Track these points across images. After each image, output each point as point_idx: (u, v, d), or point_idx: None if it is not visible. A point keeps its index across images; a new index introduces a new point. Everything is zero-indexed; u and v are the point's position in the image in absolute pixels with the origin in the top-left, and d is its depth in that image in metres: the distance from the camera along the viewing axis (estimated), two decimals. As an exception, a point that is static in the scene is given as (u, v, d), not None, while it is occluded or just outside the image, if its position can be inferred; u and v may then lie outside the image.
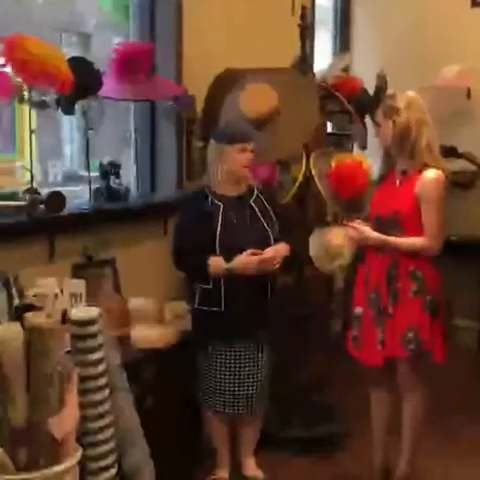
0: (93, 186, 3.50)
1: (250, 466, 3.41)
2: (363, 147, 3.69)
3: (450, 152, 5.06)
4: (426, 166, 3.07)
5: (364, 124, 3.65)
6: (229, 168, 3.17)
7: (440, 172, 3.07)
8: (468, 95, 5.51)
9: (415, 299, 3.09)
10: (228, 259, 3.11)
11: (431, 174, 3.06)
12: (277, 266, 3.17)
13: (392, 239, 3.10)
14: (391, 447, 3.36)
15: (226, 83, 3.98)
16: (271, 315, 3.26)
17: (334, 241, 3.41)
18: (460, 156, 5.34)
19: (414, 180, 3.08)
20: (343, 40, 5.95)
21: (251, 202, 3.23)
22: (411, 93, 3.14)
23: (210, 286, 3.15)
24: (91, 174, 3.47)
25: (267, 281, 3.21)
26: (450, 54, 5.46)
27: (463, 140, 5.38)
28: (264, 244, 3.16)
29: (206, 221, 3.13)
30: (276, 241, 3.21)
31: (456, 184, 4.98)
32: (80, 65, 3.08)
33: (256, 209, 3.22)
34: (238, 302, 3.14)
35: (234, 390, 3.23)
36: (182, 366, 3.24)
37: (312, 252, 3.47)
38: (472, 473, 3.60)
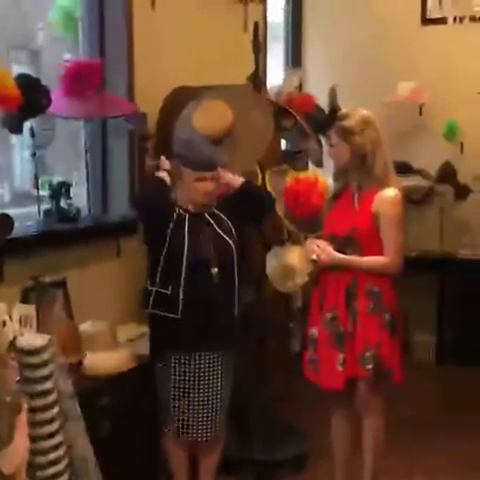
0: (43, 207, 3.40)
1: None
2: (318, 164, 3.65)
3: (404, 168, 5.06)
4: (382, 184, 3.05)
5: (319, 141, 3.62)
6: (188, 193, 3.13)
7: (397, 190, 3.06)
8: (420, 111, 5.54)
9: (373, 317, 3.06)
10: (195, 272, 3.04)
11: (389, 193, 3.05)
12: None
13: (354, 259, 3.06)
14: (353, 468, 3.30)
15: (179, 100, 3.90)
16: (236, 326, 3.17)
17: (291, 260, 3.36)
18: (414, 172, 5.36)
19: (371, 198, 3.06)
20: (295, 56, 5.92)
21: (208, 217, 3.17)
22: (364, 112, 3.12)
23: (168, 291, 3.05)
24: (41, 194, 3.36)
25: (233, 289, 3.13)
26: (402, 71, 5.47)
27: (416, 156, 5.41)
28: (228, 256, 3.11)
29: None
30: (238, 253, 3.14)
31: (410, 200, 4.99)
32: (27, 82, 2.99)
33: (214, 224, 3.15)
34: (197, 309, 3.04)
35: (194, 410, 3.10)
36: (138, 391, 3.14)
37: (269, 271, 3.41)
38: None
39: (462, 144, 5.42)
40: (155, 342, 3.18)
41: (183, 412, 3.10)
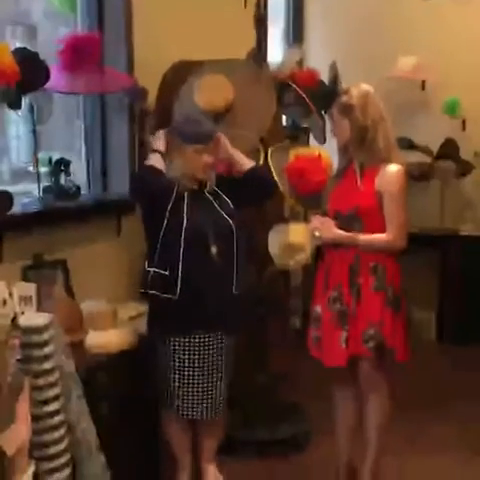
0: (42, 184, 3.35)
1: (211, 472, 3.29)
2: (321, 141, 3.60)
3: (405, 144, 5.02)
4: (385, 161, 3.01)
5: (322, 117, 3.56)
6: (186, 167, 3.04)
7: (400, 166, 3.02)
8: (422, 87, 5.48)
9: (376, 294, 3.02)
10: (193, 251, 2.97)
11: (392, 169, 3.01)
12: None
13: (357, 236, 3.02)
14: (356, 447, 3.29)
15: (179, 75, 3.84)
16: (236, 306, 3.11)
17: (294, 237, 3.31)
18: (415, 148, 5.32)
19: (374, 175, 3.02)
20: (296, 32, 5.85)
21: (208, 195, 3.10)
22: (365, 87, 3.08)
23: (166, 271, 2.98)
24: (40, 171, 3.31)
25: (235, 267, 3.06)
26: (404, 46, 5.43)
27: (418, 132, 5.36)
28: (228, 235, 3.04)
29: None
30: (238, 232, 3.08)
31: (411, 176, 4.94)
32: (25, 57, 2.92)
33: (214, 203, 3.09)
34: (196, 289, 2.98)
35: (194, 389, 3.05)
36: (138, 370, 3.11)
37: (271, 248, 3.36)
38: (439, 471, 3.56)
39: (464, 121, 5.37)
40: (153, 323, 3.12)
41: (183, 392, 3.05)
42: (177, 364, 3.04)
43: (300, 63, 4.44)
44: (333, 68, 3.16)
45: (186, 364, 3.03)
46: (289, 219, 3.51)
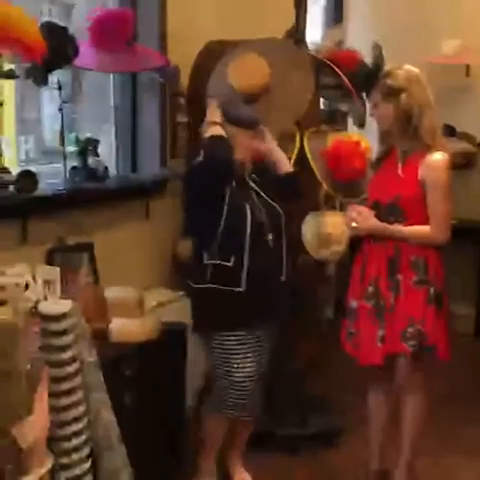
0: (69, 164, 3.23)
1: (240, 469, 3.18)
2: (361, 125, 3.43)
3: (447, 131, 4.82)
4: (430, 148, 2.84)
5: (363, 101, 3.39)
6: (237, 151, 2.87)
7: (445, 155, 2.84)
8: (467, 72, 5.27)
9: (417, 290, 2.86)
10: (255, 240, 2.83)
11: (437, 157, 2.83)
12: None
13: (398, 228, 2.86)
14: (388, 448, 3.15)
15: (214, 55, 3.70)
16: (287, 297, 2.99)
17: (328, 227, 3.17)
18: (458, 136, 5.12)
19: (417, 163, 2.85)
20: (337, 12, 5.67)
21: (252, 183, 2.97)
22: (412, 69, 2.90)
23: (230, 263, 2.81)
24: (68, 150, 3.20)
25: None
26: (448, 29, 5.22)
27: (461, 119, 5.15)
28: (278, 222, 2.92)
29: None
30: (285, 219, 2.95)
31: (453, 165, 4.75)
32: (53, 31, 2.81)
33: (256, 187, 2.96)
34: (259, 280, 2.84)
35: (250, 387, 2.91)
36: (165, 361, 2.99)
37: (305, 237, 3.22)
38: (475, 474, 3.40)
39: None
40: (210, 319, 2.92)
41: (231, 389, 2.90)
42: (228, 359, 2.89)
43: (340, 44, 4.28)
44: (377, 48, 2.97)
45: (237, 359, 2.89)
46: (324, 207, 3.36)
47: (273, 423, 3.57)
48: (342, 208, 3.28)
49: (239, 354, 2.88)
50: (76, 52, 2.90)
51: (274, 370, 3.32)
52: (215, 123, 2.88)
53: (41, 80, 2.82)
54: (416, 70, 2.91)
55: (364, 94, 3.52)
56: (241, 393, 2.90)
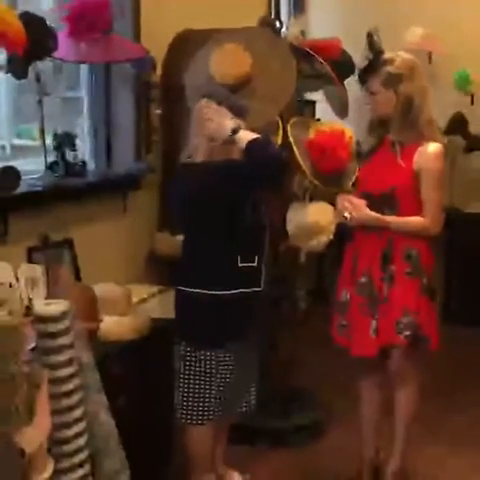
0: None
1: (227, 470, 3.13)
2: (343, 115, 3.41)
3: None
4: (426, 138, 2.83)
5: (345, 90, 3.37)
6: None
7: (441, 145, 2.84)
8: (429, 60, 5.31)
9: (411, 281, 2.86)
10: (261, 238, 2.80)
11: (432, 147, 2.83)
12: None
13: (392, 218, 2.84)
14: (380, 436, 3.15)
15: (186, 44, 3.65)
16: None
17: (315, 217, 3.14)
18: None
19: (411, 153, 2.84)
20: (298, 2, 5.63)
21: None
22: (410, 57, 2.89)
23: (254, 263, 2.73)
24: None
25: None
26: (411, 18, 5.24)
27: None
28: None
29: None
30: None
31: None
32: (33, 22, 2.70)
33: None
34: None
35: (233, 396, 2.88)
36: (154, 358, 2.93)
37: (290, 229, 3.19)
38: (464, 461, 3.43)
39: (473, 95, 5.22)
40: (220, 328, 2.76)
41: (220, 402, 2.83)
42: (223, 371, 2.83)
43: (303, 34, 4.25)
44: (373, 35, 2.95)
45: (233, 369, 2.85)
46: (306, 197, 3.33)
47: (254, 417, 3.54)
48: (324, 199, 3.25)
49: (235, 362, 2.83)
50: (56, 43, 2.81)
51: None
52: (238, 129, 2.68)
53: (21, 72, 2.73)
54: (413, 57, 2.90)
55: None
56: (219, 405, 2.83)
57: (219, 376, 2.81)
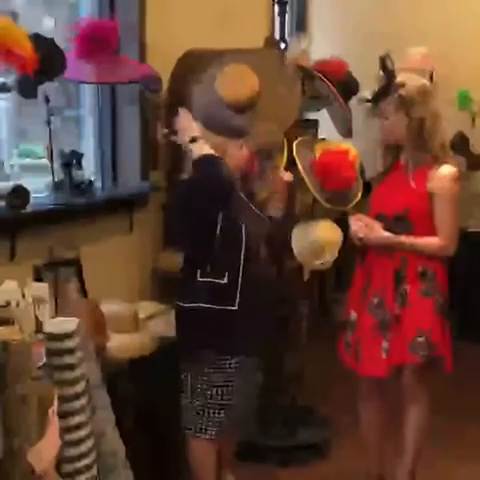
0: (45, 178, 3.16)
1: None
2: (347, 135, 3.44)
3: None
4: (439, 160, 2.87)
5: (349, 110, 3.40)
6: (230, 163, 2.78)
7: (455, 168, 2.88)
8: (431, 79, 5.35)
9: (425, 300, 2.87)
10: (249, 256, 2.76)
11: (446, 170, 2.87)
12: None
13: (407, 239, 2.86)
14: (387, 454, 3.16)
15: (192, 65, 3.68)
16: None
17: (320, 236, 3.16)
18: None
19: (425, 176, 2.86)
20: (300, 21, 5.69)
21: (240, 193, 2.89)
22: (422, 80, 2.93)
23: (224, 280, 2.71)
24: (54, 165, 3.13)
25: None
26: (411, 38, 5.29)
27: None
28: (264, 236, 2.89)
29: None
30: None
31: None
32: (43, 43, 2.74)
33: (246, 199, 2.89)
34: (255, 299, 2.76)
35: (233, 411, 2.82)
36: (160, 375, 2.94)
37: (296, 248, 3.21)
38: (474, 473, 3.43)
39: (475, 114, 5.26)
40: (200, 341, 2.77)
41: (222, 415, 2.80)
42: (220, 384, 2.79)
43: (305, 53, 4.29)
44: (386, 58, 2.98)
45: (230, 383, 2.79)
46: (311, 216, 3.36)
47: (261, 435, 3.55)
48: (328, 217, 3.28)
49: (230, 379, 2.78)
50: (65, 64, 2.84)
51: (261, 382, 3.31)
52: (197, 138, 2.74)
53: (31, 93, 2.75)
54: (425, 81, 2.94)
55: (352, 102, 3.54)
56: (220, 418, 2.80)
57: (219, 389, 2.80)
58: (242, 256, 2.73)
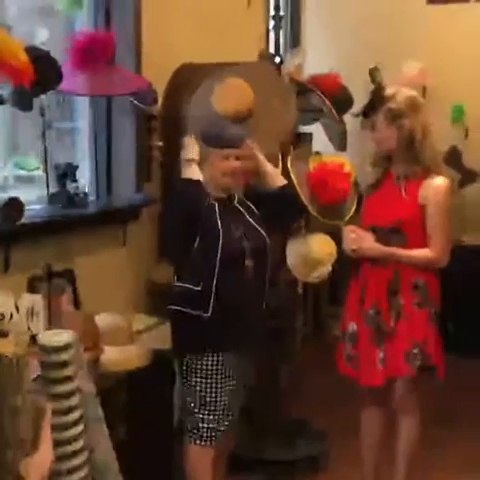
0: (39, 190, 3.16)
1: None
2: (341, 148, 3.45)
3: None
4: (430, 172, 2.88)
5: (344, 124, 3.42)
6: (214, 175, 2.85)
7: (446, 179, 2.89)
8: (423, 93, 5.38)
9: (419, 312, 2.90)
10: (229, 266, 2.77)
11: (438, 181, 2.89)
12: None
13: (399, 251, 2.88)
14: (381, 466, 3.16)
15: (187, 78, 3.69)
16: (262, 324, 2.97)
17: (314, 249, 3.17)
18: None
19: (417, 187, 2.89)
20: (294, 36, 5.72)
21: (238, 205, 2.92)
22: (412, 92, 2.96)
23: (199, 287, 2.78)
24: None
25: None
26: (406, 52, 5.32)
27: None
28: (262, 248, 2.88)
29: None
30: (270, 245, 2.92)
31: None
32: (38, 56, 2.73)
33: (245, 213, 2.92)
34: (229, 306, 2.79)
35: (221, 413, 2.85)
36: (154, 389, 2.93)
37: (291, 261, 3.21)
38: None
39: (467, 129, 5.29)
40: (179, 342, 2.90)
41: (210, 416, 2.84)
42: (203, 385, 2.83)
43: (299, 67, 4.31)
44: (375, 72, 3.01)
45: (211, 385, 2.83)
46: (304, 229, 3.36)
47: (258, 448, 3.54)
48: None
49: (205, 380, 2.82)
50: (61, 76, 2.84)
51: (253, 395, 3.30)
52: (191, 160, 2.85)
53: (26, 105, 2.76)
54: (415, 93, 2.96)
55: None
56: (209, 420, 2.84)
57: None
58: (217, 266, 2.76)
